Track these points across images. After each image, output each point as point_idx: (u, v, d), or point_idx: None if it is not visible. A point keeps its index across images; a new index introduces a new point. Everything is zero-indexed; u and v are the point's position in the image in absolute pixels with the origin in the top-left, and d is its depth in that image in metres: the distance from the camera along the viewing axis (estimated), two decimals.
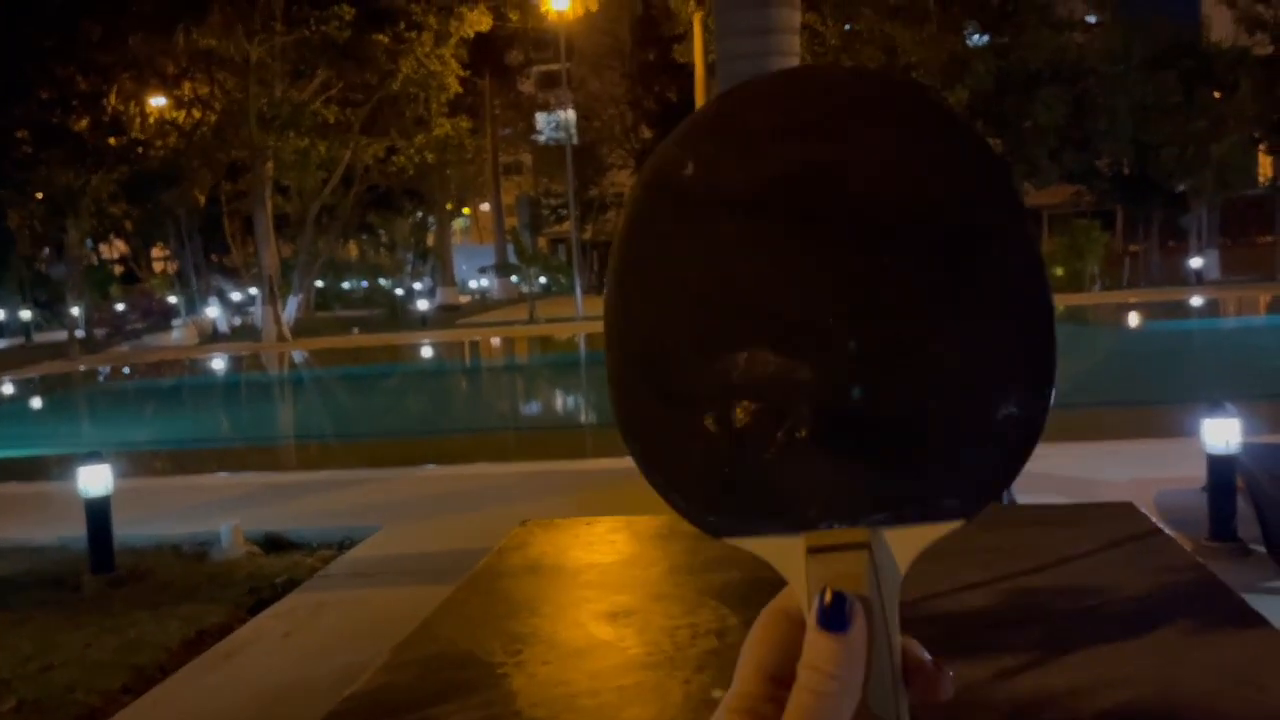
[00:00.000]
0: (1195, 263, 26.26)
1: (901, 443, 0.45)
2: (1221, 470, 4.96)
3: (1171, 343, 18.33)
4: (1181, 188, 25.62)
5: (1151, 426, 8.22)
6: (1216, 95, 24.14)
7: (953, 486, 0.46)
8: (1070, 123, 23.18)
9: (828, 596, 0.45)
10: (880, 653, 0.46)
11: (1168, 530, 4.98)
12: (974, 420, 0.45)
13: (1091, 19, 26.02)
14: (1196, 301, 23.28)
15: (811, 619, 0.45)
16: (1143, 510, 5.19)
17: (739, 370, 0.46)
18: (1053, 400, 0.47)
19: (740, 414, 0.46)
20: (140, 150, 25.44)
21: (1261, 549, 4.81)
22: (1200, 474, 5.16)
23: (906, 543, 0.46)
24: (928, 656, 0.47)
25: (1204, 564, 4.43)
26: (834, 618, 0.45)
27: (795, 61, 5.43)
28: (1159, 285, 26.27)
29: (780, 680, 0.46)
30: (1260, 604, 3.99)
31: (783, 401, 0.45)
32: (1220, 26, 27.61)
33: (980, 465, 0.46)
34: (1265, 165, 29.52)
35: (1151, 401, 9.83)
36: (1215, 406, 4.95)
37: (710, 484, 0.47)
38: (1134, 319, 21.50)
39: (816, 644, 0.45)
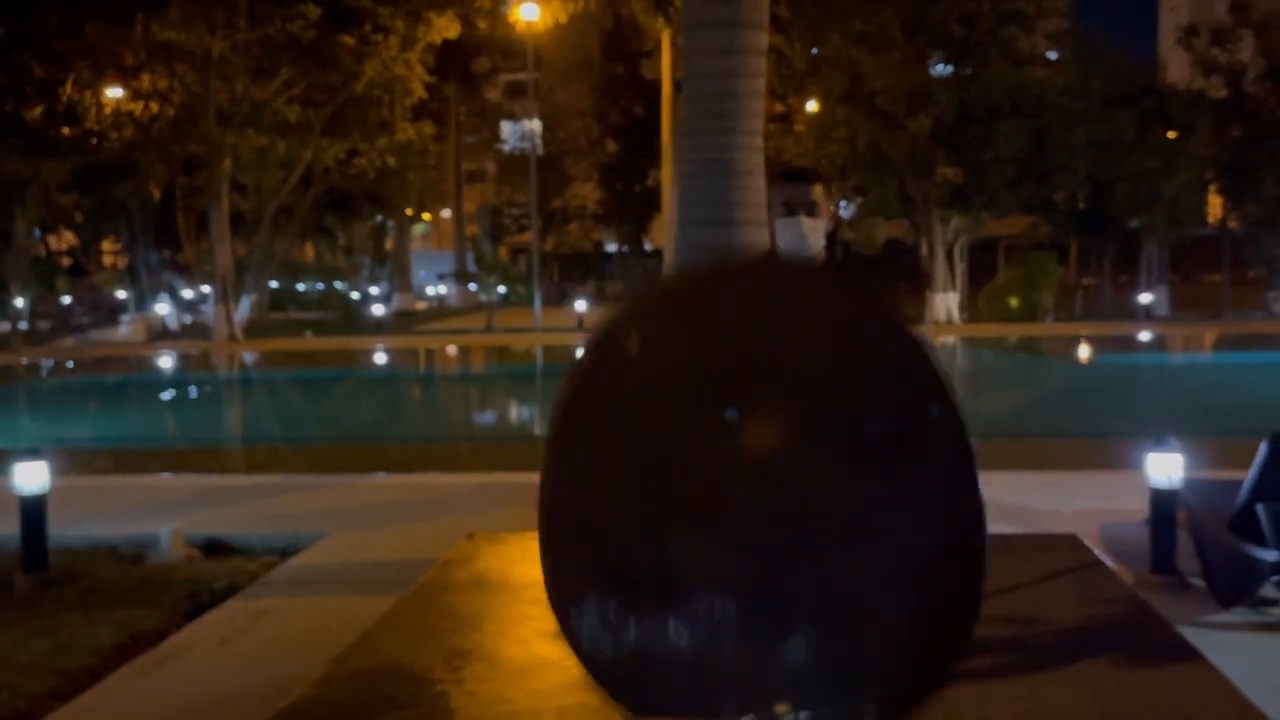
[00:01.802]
0: (1145, 298, 26.81)
1: (824, 642, 0.44)
2: (1163, 504, 5.03)
3: (1120, 376, 18.67)
4: (1135, 224, 26.17)
5: (1098, 458, 8.34)
6: (1171, 135, 24.71)
7: (873, 690, 0.45)
8: (1029, 155, 23.61)
9: None
10: None
11: (1110, 562, 5.05)
12: (900, 628, 0.45)
13: (1052, 55, 26.56)
14: (1145, 337, 23.75)
15: None
16: (1086, 542, 5.26)
17: (670, 554, 0.46)
18: (979, 615, 0.46)
19: (668, 597, 0.46)
20: (94, 141, 24.98)
21: (1201, 583, 4.89)
22: (1143, 507, 5.24)
23: None
24: None
25: (1143, 597, 4.49)
26: None
27: (761, 83, 5.46)
28: (1110, 319, 26.77)
29: None
30: (1197, 637, 4.05)
31: (711, 589, 0.45)
32: (1177, 69, 28.32)
33: (902, 673, 0.45)
34: (1215, 205, 30.26)
35: (1098, 434, 9.98)
36: (1159, 441, 5.03)
37: (634, 662, 0.46)
38: (1084, 351, 21.88)
39: None
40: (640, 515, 0.40)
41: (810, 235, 3.06)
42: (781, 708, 0.38)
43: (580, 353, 0.45)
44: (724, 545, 0.39)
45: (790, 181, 3.16)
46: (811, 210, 3.06)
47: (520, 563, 4.99)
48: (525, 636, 3.91)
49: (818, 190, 3.10)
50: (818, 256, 3.11)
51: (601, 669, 0.41)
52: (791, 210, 3.06)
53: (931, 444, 0.39)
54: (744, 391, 0.40)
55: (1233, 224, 28.81)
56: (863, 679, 0.39)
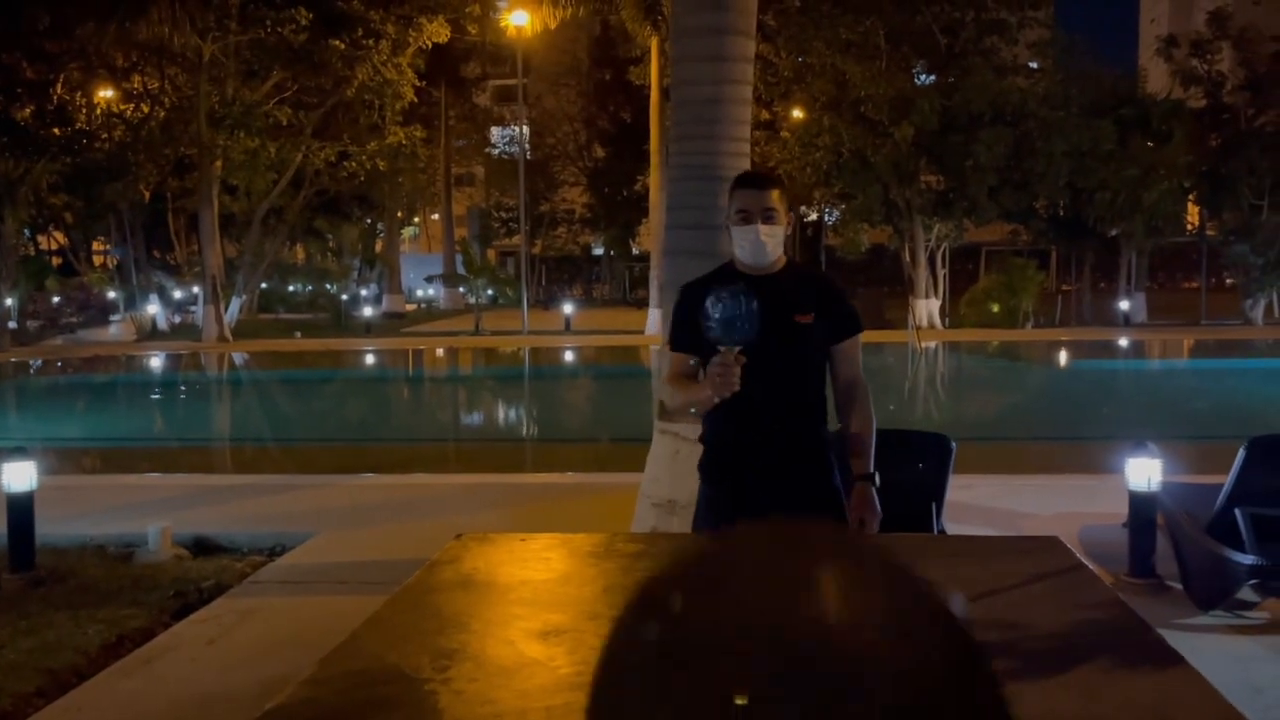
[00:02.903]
0: (1124, 305, 26.98)
1: None
2: (1142, 508, 5.09)
3: (1099, 382, 18.78)
4: (1114, 232, 26.33)
5: (1079, 462, 8.41)
6: (1150, 144, 24.88)
7: None
8: (1010, 163, 23.75)
9: None
10: None
11: (1090, 565, 5.10)
12: None
13: (1033, 65, 26.72)
14: (1124, 343, 23.90)
15: None
16: (1067, 545, 5.31)
17: None
18: None
19: None
20: (85, 141, 24.90)
21: (1178, 586, 4.95)
22: (1122, 511, 5.30)
23: None
24: None
25: (1123, 600, 4.55)
26: None
27: (748, 90, 5.50)
28: (1089, 325, 26.93)
29: None
30: (1175, 640, 4.10)
31: None
32: (1156, 79, 28.50)
33: None
34: (1193, 214, 30.47)
35: (1079, 438, 10.06)
36: (1138, 445, 5.09)
37: None
38: (1064, 357, 22.01)
39: None
40: None
41: (769, 243, 2.91)
42: None
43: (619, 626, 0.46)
44: None
45: (745, 187, 2.96)
46: (769, 217, 2.90)
47: (508, 563, 5.02)
48: (512, 637, 3.93)
49: (774, 196, 2.93)
50: (777, 263, 2.98)
51: None
52: (747, 219, 2.90)
53: None
54: (785, 653, 0.40)
55: (1210, 232, 29.03)
56: None
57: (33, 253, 31.11)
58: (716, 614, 0.49)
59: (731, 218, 2.97)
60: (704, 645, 0.49)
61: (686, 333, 2.93)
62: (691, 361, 3.01)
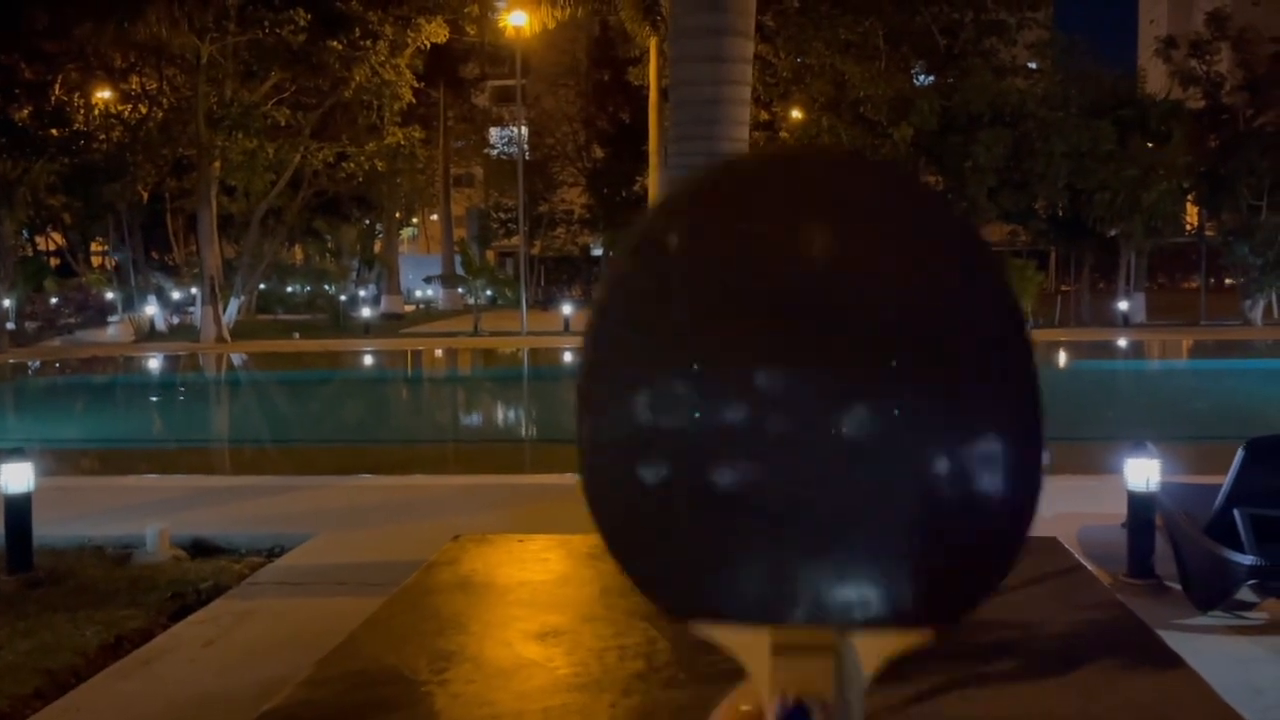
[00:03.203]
0: (1123, 305, 26.99)
1: (877, 549, 0.43)
2: (1141, 508, 5.09)
3: (1098, 382, 18.78)
4: (1113, 232, 26.35)
5: (1078, 463, 8.41)
6: (1149, 145, 24.91)
7: (926, 597, 0.44)
8: (1009, 164, 23.77)
9: (790, 700, 0.45)
10: None
11: (1089, 566, 5.10)
12: (953, 534, 0.44)
13: (1033, 66, 26.73)
14: (1123, 343, 23.92)
15: None
16: (1066, 546, 5.31)
17: (716, 463, 0.44)
18: (1033, 522, 0.45)
19: (717, 506, 0.44)
20: (83, 142, 24.89)
21: (1177, 586, 4.95)
22: (1121, 511, 5.30)
23: (873, 649, 0.45)
24: None
25: (1123, 601, 4.55)
26: None
27: (747, 90, 5.51)
28: (1089, 325, 26.94)
29: None
30: (1174, 640, 4.10)
31: (760, 499, 0.43)
32: (1155, 79, 28.52)
33: (955, 578, 0.45)
34: (1192, 214, 30.49)
35: (1078, 438, 10.05)
36: (1137, 446, 5.09)
37: (680, 569, 0.45)
38: (1064, 357, 22.02)
39: None
40: (681, 420, 0.40)
41: None
42: (832, 614, 0.38)
43: (617, 254, 0.45)
44: (770, 452, 0.38)
45: None
46: None
47: (506, 564, 5.02)
48: (510, 638, 3.93)
49: None
50: None
51: (640, 569, 0.41)
52: None
53: (993, 355, 0.39)
54: (791, 291, 0.39)
55: (1209, 233, 29.06)
56: (915, 587, 0.39)
57: (31, 254, 31.10)
58: (743, 234, 0.47)
59: None
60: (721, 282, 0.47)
61: None
62: None
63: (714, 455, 0.44)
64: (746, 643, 0.46)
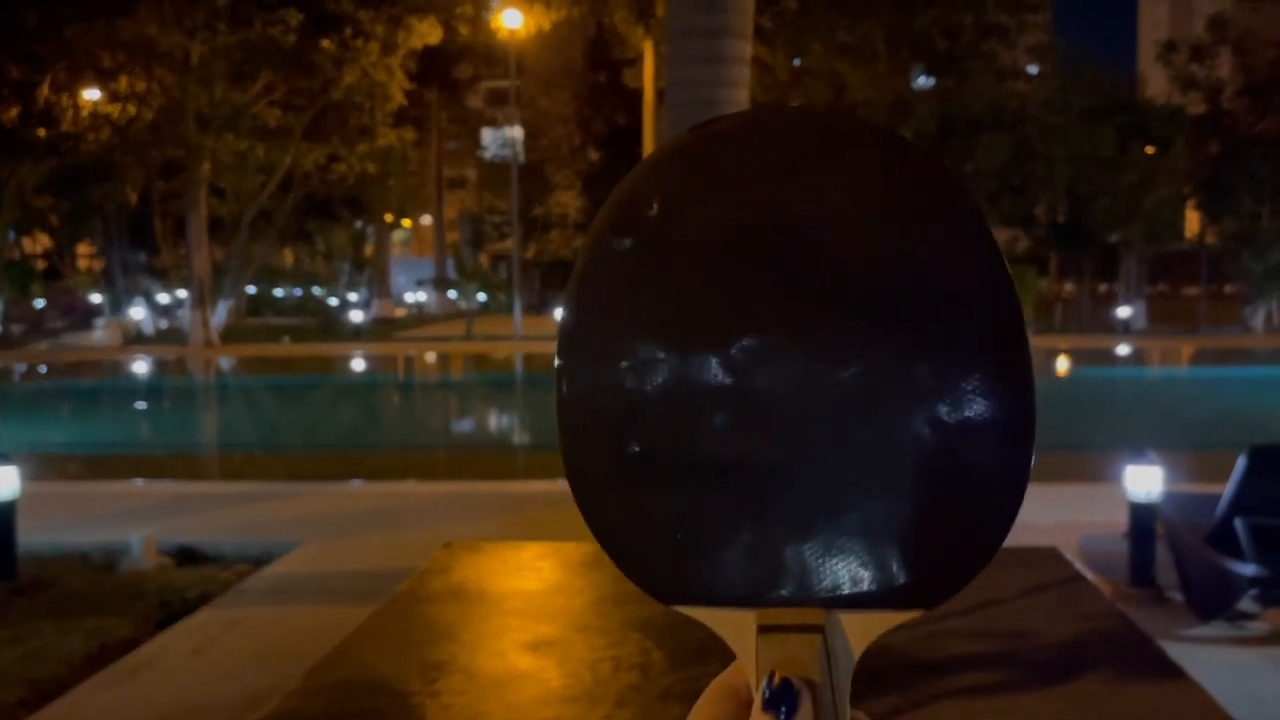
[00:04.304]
0: (1123, 312, 27.02)
1: (862, 525, 0.42)
2: (1142, 517, 5.05)
3: (1098, 389, 18.78)
4: (1113, 238, 26.39)
5: (1078, 471, 8.38)
6: (1149, 150, 24.95)
7: (913, 574, 0.43)
8: (1009, 169, 23.79)
9: (776, 680, 0.43)
10: None
11: (1090, 575, 5.06)
12: (940, 507, 0.43)
13: (1033, 69, 26.79)
14: (1124, 350, 23.93)
15: (758, 701, 0.44)
16: (1066, 555, 5.27)
17: (700, 434, 0.43)
18: (1024, 497, 0.44)
19: (700, 479, 0.43)
20: (71, 143, 24.76)
21: (1179, 596, 4.90)
22: (1123, 519, 5.25)
23: (861, 628, 0.44)
24: None
25: (1123, 611, 4.50)
26: (781, 702, 0.43)
27: (744, 93, 5.46)
28: (1089, 331, 26.95)
29: None
30: (1176, 651, 4.05)
31: (744, 471, 0.42)
32: (1155, 84, 28.62)
33: (943, 555, 0.43)
34: (1193, 220, 30.56)
35: (1077, 447, 10.02)
36: (1138, 455, 5.05)
37: (663, 548, 0.45)
38: (1064, 364, 22.03)
39: None
40: (662, 390, 0.38)
41: None
42: (818, 594, 0.36)
43: (600, 217, 0.42)
44: (751, 425, 0.36)
45: None
46: None
47: (498, 573, 4.95)
48: (503, 648, 3.87)
49: None
50: None
51: (624, 553, 0.39)
52: None
53: (975, 304, 0.36)
54: (772, 250, 0.37)
55: (1210, 239, 29.11)
56: (902, 564, 0.36)
57: (18, 256, 30.96)
58: (727, 193, 0.46)
59: None
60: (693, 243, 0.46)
61: None
62: None
63: (696, 426, 0.42)
64: (732, 621, 0.45)
